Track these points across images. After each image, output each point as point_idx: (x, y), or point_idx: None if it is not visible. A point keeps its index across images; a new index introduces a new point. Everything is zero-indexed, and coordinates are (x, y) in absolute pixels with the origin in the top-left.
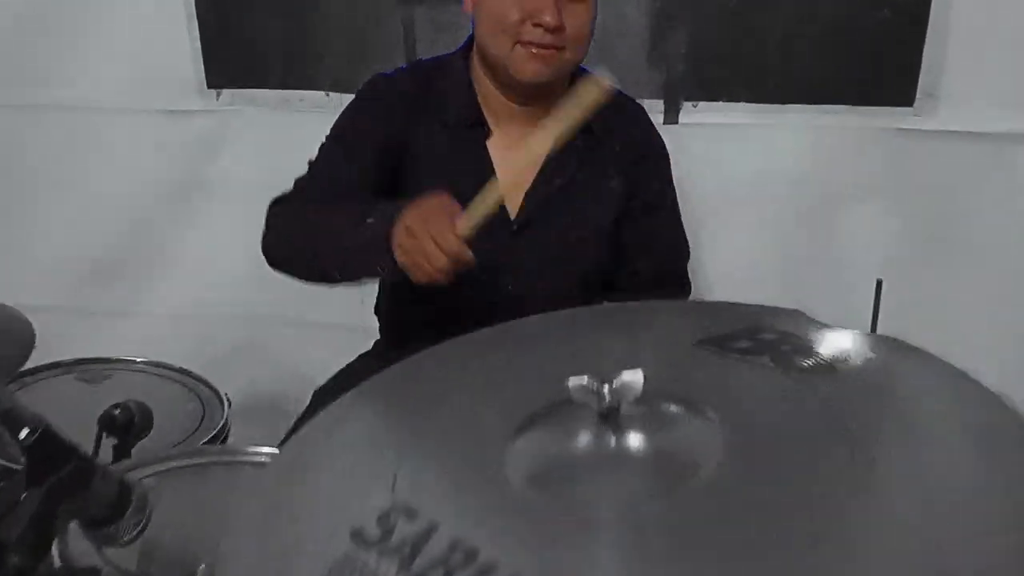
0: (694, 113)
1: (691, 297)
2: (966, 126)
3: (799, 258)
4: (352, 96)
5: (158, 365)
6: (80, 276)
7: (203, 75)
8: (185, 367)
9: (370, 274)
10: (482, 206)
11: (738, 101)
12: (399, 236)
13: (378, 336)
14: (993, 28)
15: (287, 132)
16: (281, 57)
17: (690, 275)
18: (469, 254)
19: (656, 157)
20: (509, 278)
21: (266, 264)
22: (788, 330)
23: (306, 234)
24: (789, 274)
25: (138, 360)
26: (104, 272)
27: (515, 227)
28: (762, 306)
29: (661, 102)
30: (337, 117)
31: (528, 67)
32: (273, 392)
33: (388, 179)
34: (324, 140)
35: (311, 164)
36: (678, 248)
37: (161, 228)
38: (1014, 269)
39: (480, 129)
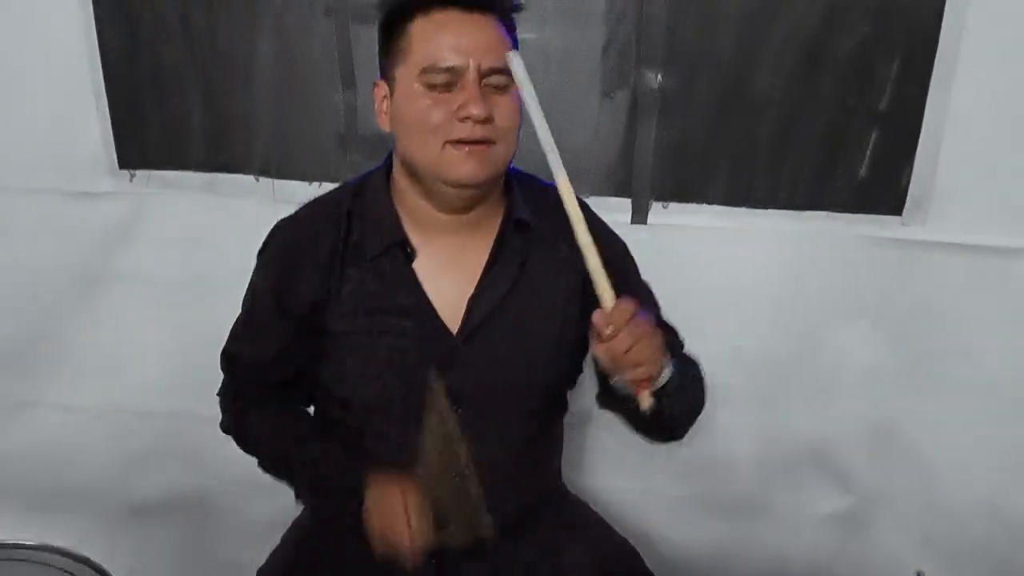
0: (664, 214)
1: None
2: (956, 238)
3: (779, 374)
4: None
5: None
6: None
7: (114, 155)
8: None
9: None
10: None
11: (713, 204)
12: (370, 520)
13: None
14: (986, 139)
15: (210, 218)
16: (204, 136)
17: None
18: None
19: (612, 248)
20: (456, 404)
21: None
22: None
23: (262, 457)
24: (768, 388)
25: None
26: (8, 362)
27: (457, 342)
28: None
29: (628, 201)
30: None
31: (463, 168)
32: (189, 488)
33: (315, 326)
34: (242, 305)
35: (230, 335)
36: (667, 335)
37: (65, 319)
38: (1001, 383)
39: (404, 250)
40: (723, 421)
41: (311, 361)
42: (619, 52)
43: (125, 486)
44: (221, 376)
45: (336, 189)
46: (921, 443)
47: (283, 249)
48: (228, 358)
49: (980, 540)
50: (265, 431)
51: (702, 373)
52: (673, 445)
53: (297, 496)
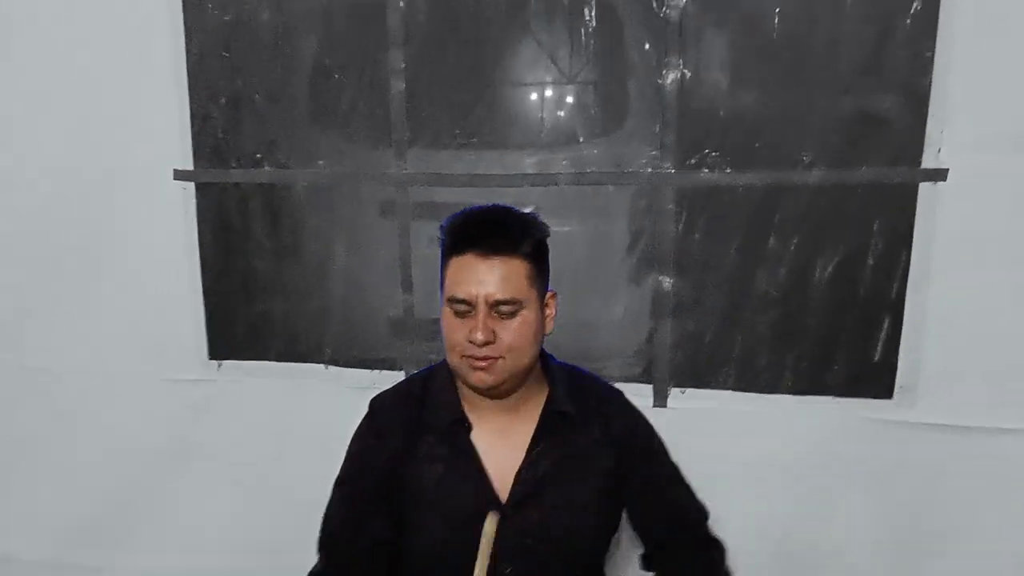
0: (682, 399)
1: None
2: (943, 419)
3: (792, 543)
4: (349, 370)
5: None
6: (68, 530)
7: (206, 347)
8: None
9: None
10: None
11: (725, 389)
12: None
13: None
14: (966, 331)
15: (284, 403)
16: (283, 331)
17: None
18: None
19: (640, 434)
20: (507, 563)
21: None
22: None
23: None
24: (782, 558)
25: None
26: (91, 528)
27: (507, 511)
28: None
29: (651, 387)
30: (345, 458)
31: (473, 376)
32: None
33: (396, 496)
34: (335, 484)
35: (325, 518)
36: (695, 510)
37: (148, 492)
38: (990, 554)
39: (464, 426)
40: None
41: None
42: (639, 257)
43: None
44: (294, 544)
45: (412, 376)
46: None
47: (375, 422)
48: (328, 543)
49: None
50: None
51: (725, 559)
52: None
53: None
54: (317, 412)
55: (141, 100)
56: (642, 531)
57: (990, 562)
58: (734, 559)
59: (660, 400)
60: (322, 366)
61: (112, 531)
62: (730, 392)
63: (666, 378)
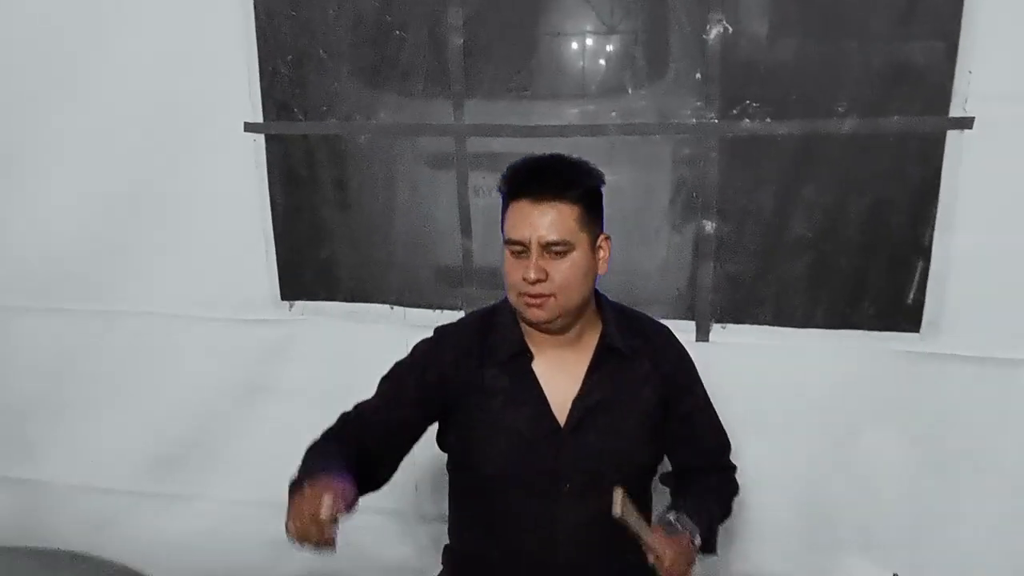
0: (723, 334)
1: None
2: (967, 351)
3: (824, 468)
4: (414, 309)
5: None
6: (149, 463)
7: (278, 289)
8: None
9: None
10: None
11: (763, 324)
12: (289, 515)
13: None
14: (991, 263)
15: (352, 341)
16: (349, 274)
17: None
18: (331, 536)
19: (683, 369)
20: (565, 481)
21: None
22: None
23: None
24: (815, 480)
25: None
26: (171, 460)
27: (566, 433)
28: None
29: (693, 323)
30: (396, 363)
31: (528, 312)
32: (326, 571)
33: (436, 415)
34: (379, 384)
35: (361, 402)
36: (719, 441)
37: (226, 425)
38: (1012, 484)
39: (525, 356)
40: (776, 508)
41: (411, 442)
42: (683, 203)
43: (270, 570)
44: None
45: (474, 311)
46: (952, 529)
47: (438, 344)
48: (347, 412)
49: None
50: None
51: (733, 487)
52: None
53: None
54: (383, 349)
55: (215, 58)
56: (671, 454)
57: (1013, 484)
58: (766, 482)
59: (703, 335)
60: (387, 306)
61: (193, 464)
62: (767, 327)
63: (708, 315)
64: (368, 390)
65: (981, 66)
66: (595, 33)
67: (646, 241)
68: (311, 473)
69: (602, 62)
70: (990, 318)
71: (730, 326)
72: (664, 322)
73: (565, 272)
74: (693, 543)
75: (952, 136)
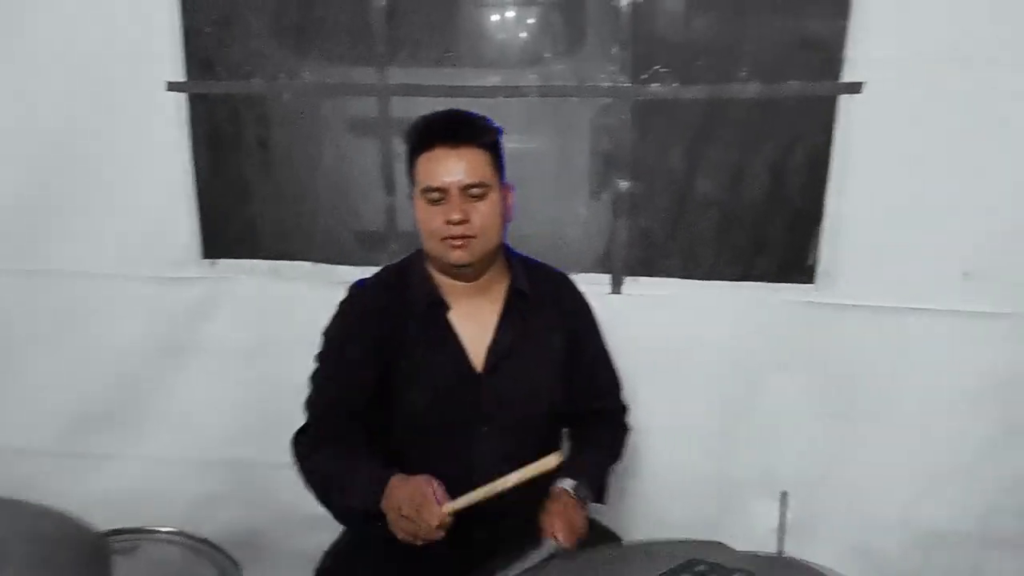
0: (635, 286)
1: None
2: (858, 300)
3: (731, 412)
4: (336, 266)
5: (180, 534)
6: (72, 423)
7: (200, 246)
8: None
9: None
10: (474, 496)
11: (672, 277)
12: (393, 516)
13: None
14: (880, 219)
15: (276, 298)
16: (272, 232)
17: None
18: (446, 527)
19: (584, 314)
20: (482, 424)
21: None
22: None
23: (316, 488)
24: (721, 424)
25: (162, 530)
26: (94, 420)
27: (481, 377)
28: (689, 541)
29: (608, 276)
30: (324, 331)
31: (452, 255)
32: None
33: (383, 372)
34: (318, 357)
35: (313, 384)
36: (614, 382)
37: (150, 383)
38: (906, 416)
39: (441, 307)
40: (682, 451)
41: (377, 395)
42: (600, 165)
43: (195, 529)
44: (283, 427)
45: (388, 266)
46: (848, 469)
47: (359, 303)
48: (313, 403)
49: (898, 547)
50: (323, 458)
51: (624, 431)
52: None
53: (341, 512)
54: (306, 306)
55: (138, 17)
56: (571, 396)
57: (905, 426)
58: (673, 429)
59: (616, 288)
60: (310, 263)
61: (116, 422)
62: (676, 280)
63: (621, 269)
64: (291, 347)
65: (870, 33)
66: (517, 4)
67: (566, 200)
68: (370, 491)
69: (523, 33)
70: (880, 270)
71: (642, 279)
72: (581, 275)
73: (484, 214)
74: (584, 507)
75: (844, 100)
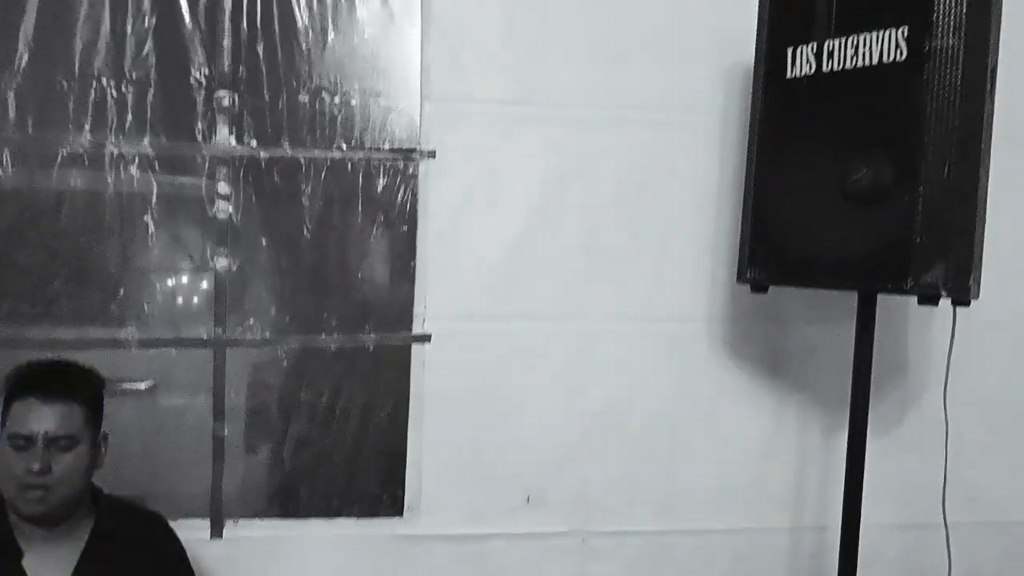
0: (235, 529)
1: None
2: (443, 531)
3: None
4: None
5: None
6: None
7: None
8: None
9: None
10: None
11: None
12: None
13: None
14: (457, 449)
15: None
16: None
17: None
18: None
19: (176, 554)
20: None
21: None
22: None
23: None
24: None
25: None
26: None
27: None
28: None
29: (208, 521)
30: None
31: (27, 507)
32: None
33: None
34: None
35: None
36: None
37: None
38: None
39: (15, 552)
40: None
41: None
42: (199, 406)
43: None
44: None
45: None
46: None
47: None
48: None
49: None
50: None
51: None
52: None
53: None
54: None
55: None
56: None
57: None
58: None
59: (217, 532)
60: None
61: None
62: (276, 520)
63: (221, 512)
64: None
65: (432, 294)
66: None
67: (168, 444)
68: None
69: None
70: (458, 499)
71: (242, 521)
72: (180, 521)
73: (68, 464)
74: None
75: (416, 348)
